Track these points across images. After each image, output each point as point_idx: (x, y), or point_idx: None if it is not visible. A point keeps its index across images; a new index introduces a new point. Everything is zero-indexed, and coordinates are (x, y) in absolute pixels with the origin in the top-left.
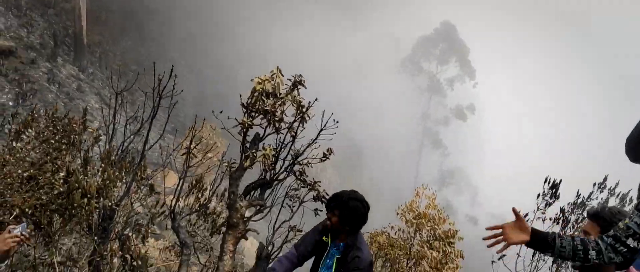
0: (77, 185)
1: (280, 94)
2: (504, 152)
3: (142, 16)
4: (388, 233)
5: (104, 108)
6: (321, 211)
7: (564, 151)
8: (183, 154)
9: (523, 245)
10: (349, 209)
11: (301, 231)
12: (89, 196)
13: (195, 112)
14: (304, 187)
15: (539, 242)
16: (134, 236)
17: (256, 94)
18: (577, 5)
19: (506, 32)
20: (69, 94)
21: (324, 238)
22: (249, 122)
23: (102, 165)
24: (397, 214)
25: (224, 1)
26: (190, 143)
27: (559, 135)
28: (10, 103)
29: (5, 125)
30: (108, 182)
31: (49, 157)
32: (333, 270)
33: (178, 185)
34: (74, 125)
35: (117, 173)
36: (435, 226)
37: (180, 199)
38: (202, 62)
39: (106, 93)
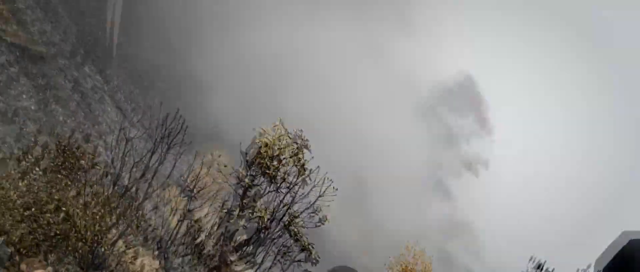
0: (74, 229)
1: (281, 148)
2: (514, 211)
3: (173, 32)
4: None
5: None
6: None
7: (569, 219)
8: (184, 198)
9: None
10: None
11: None
12: (83, 240)
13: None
14: (296, 244)
15: None
16: None
17: (259, 150)
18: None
19: (533, 93)
20: (91, 105)
21: None
22: (249, 183)
23: (101, 211)
24: (385, 264)
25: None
26: (193, 188)
27: (563, 203)
28: (33, 107)
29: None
30: (104, 229)
31: (50, 198)
32: None
33: (175, 228)
34: (83, 161)
35: (114, 221)
36: None
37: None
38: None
39: (127, 107)
